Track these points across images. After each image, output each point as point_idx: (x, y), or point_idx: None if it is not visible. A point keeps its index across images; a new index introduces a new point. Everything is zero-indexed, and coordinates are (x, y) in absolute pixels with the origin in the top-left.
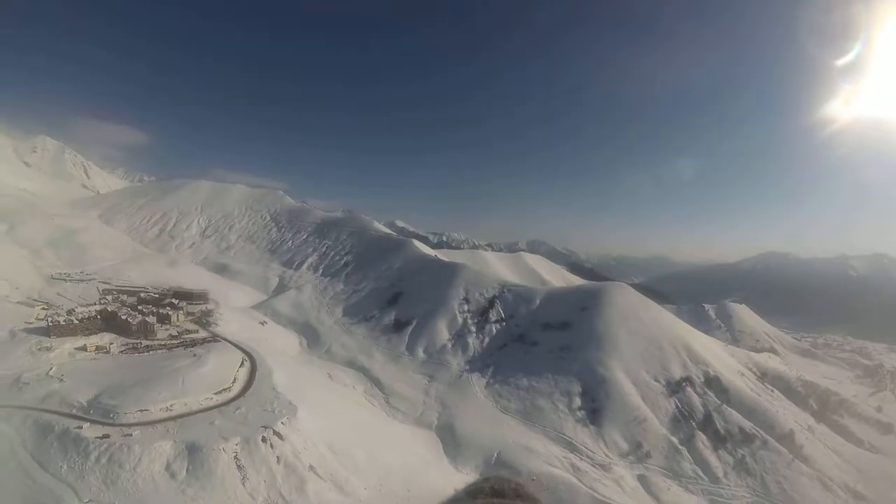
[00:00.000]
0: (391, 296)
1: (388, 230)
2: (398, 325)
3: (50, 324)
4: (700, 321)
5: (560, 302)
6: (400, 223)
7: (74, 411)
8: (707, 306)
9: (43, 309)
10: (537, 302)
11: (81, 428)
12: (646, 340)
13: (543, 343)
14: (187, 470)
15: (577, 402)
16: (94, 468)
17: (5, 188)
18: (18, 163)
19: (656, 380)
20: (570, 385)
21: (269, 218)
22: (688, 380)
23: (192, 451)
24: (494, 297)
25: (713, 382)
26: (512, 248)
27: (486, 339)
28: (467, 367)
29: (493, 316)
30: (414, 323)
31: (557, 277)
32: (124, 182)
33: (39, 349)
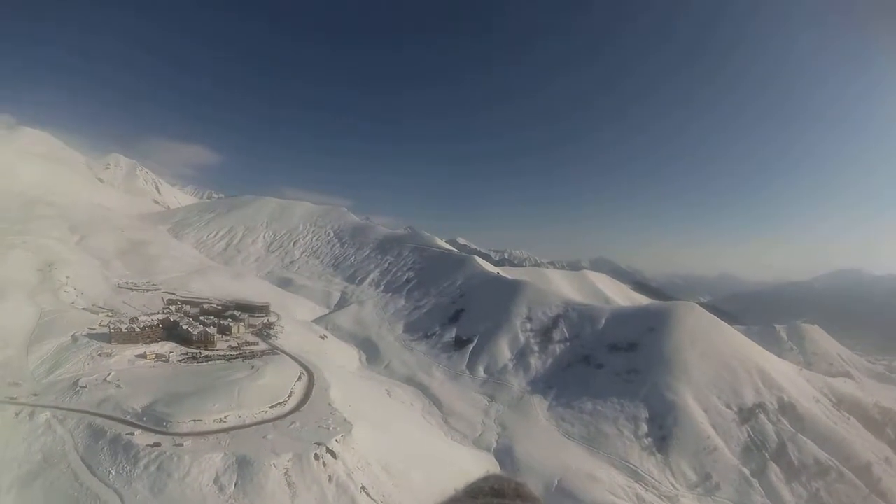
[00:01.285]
0: (453, 313)
1: (450, 247)
2: (459, 343)
3: (111, 330)
4: (771, 343)
5: (627, 322)
6: (462, 240)
7: (129, 417)
8: (778, 327)
9: (107, 316)
10: (603, 322)
11: (133, 434)
12: (717, 364)
13: (609, 365)
14: (236, 484)
15: (644, 428)
16: (142, 475)
17: (79, 202)
18: (92, 178)
19: (728, 406)
20: (636, 410)
21: (332, 234)
22: (761, 406)
23: (243, 465)
24: (558, 315)
25: (788, 409)
26: (575, 267)
27: (550, 360)
28: (529, 389)
29: (556, 336)
30: (475, 341)
31: (623, 297)
32: (194, 198)
33: (100, 355)
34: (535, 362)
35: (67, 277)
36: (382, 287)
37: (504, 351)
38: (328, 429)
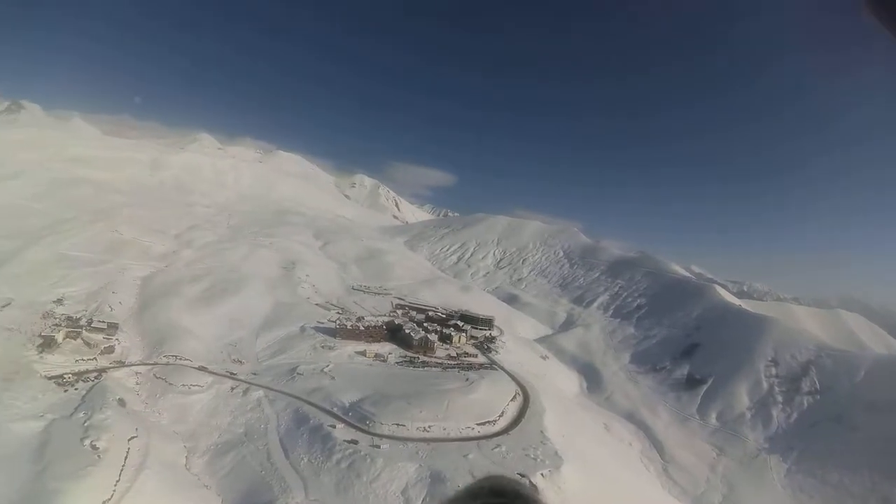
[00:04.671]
0: (686, 347)
1: (686, 273)
2: (690, 382)
3: (338, 326)
4: None
5: (893, 377)
6: (697, 268)
7: (335, 410)
8: None
9: (337, 313)
10: (862, 374)
11: (335, 427)
12: None
13: (865, 429)
14: (423, 500)
15: None
16: (332, 470)
17: (326, 213)
18: (339, 195)
19: None
20: (892, 491)
21: (562, 254)
22: None
23: (435, 481)
24: (809, 361)
25: None
26: (822, 304)
27: (795, 415)
28: (766, 446)
29: (805, 385)
30: (709, 382)
31: (881, 344)
32: (430, 216)
33: (322, 347)
34: (777, 415)
35: (306, 275)
36: (611, 312)
37: (742, 397)
38: (535, 459)
